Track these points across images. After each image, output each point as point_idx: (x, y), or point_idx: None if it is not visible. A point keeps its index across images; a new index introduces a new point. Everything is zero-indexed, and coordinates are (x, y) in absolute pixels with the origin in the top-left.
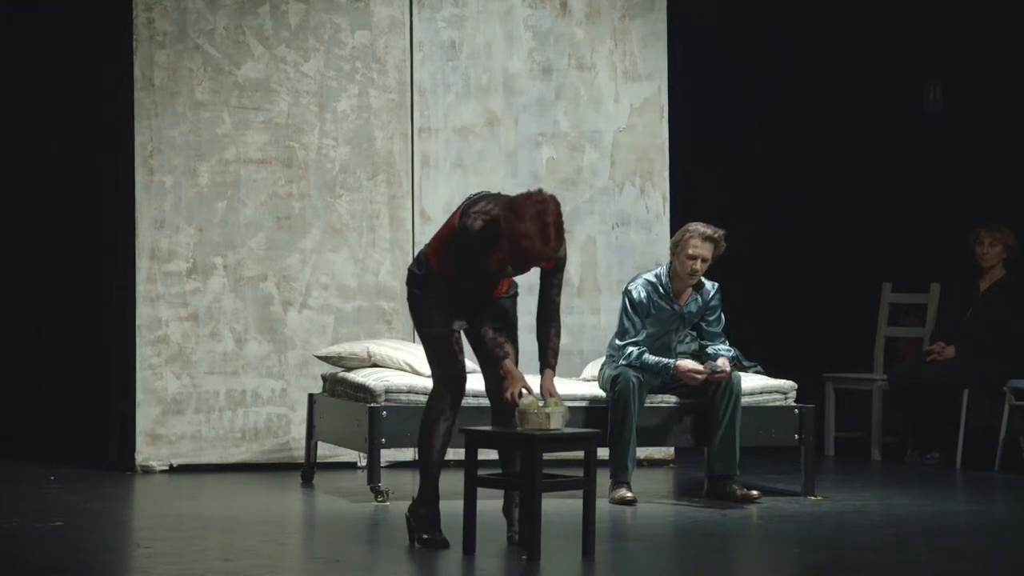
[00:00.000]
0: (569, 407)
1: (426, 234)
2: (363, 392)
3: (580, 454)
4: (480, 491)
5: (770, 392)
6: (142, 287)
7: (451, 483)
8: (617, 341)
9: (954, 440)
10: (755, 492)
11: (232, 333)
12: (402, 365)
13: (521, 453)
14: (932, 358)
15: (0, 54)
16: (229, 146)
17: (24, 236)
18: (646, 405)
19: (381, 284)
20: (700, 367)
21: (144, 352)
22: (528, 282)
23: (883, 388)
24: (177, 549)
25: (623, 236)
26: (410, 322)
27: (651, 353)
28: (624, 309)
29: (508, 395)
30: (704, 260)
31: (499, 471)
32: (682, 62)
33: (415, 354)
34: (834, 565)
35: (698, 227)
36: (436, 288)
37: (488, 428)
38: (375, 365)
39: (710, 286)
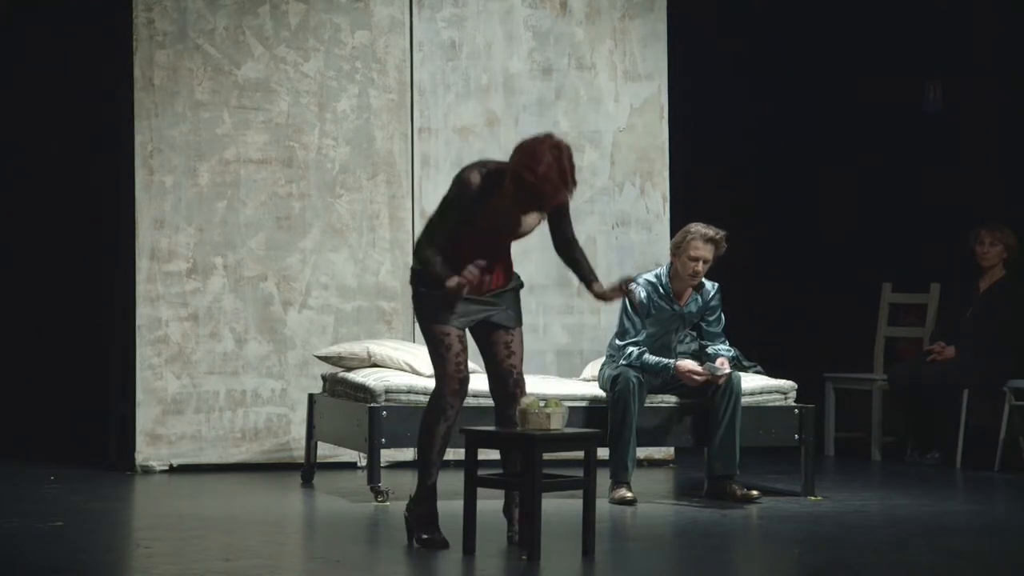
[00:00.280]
0: (569, 407)
1: None
2: (363, 392)
3: (580, 454)
4: (480, 491)
5: (770, 392)
6: (142, 287)
7: (451, 483)
8: (617, 341)
9: (954, 440)
10: (755, 492)
11: (232, 333)
12: (402, 365)
13: (521, 453)
14: (932, 358)
15: (0, 54)
16: (229, 146)
17: (24, 236)
18: (646, 405)
19: (381, 284)
20: (700, 368)
21: (144, 352)
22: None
23: (883, 388)
24: (177, 549)
25: (623, 236)
26: (410, 322)
27: (651, 353)
28: (624, 309)
29: (456, 283)
30: (706, 261)
31: (499, 471)
32: (682, 62)
33: (415, 354)
34: (834, 565)
35: (699, 228)
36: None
37: (488, 428)
38: (375, 365)
39: (710, 286)
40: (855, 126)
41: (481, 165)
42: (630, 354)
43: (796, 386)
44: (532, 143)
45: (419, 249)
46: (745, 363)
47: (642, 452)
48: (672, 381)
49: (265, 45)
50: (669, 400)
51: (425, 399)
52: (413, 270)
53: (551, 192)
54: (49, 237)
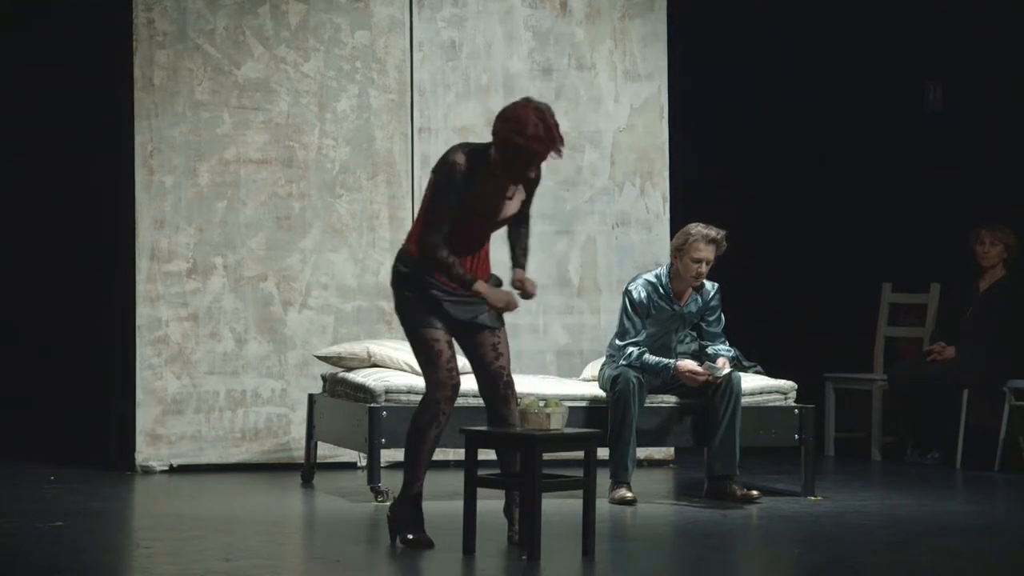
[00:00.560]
0: (569, 407)
1: None
2: (363, 392)
3: (580, 454)
4: (480, 491)
5: (770, 392)
6: (142, 287)
7: (451, 483)
8: (617, 341)
9: (954, 440)
10: (755, 492)
11: (232, 333)
12: (402, 365)
13: (521, 453)
14: (932, 358)
15: (0, 54)
16: (229, 146)
17: (24, 236)
18: (646, 405)
19: (381, 284)
20: (700, 368)
21: (144, 352)
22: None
23: (883, 388)
24: (177, 549)
25: (623, 236)
26: None
27: (651, 353)
28: (624, 309)
29: (499, 308)
30: (708, 262)
31: (498, 471)
32: (682, 62)
33: None
34: (834, 565)
35: (700, 230)
36: (426, 286)
37: (488, 428)
38: (375, 365)
39: (710, 286)
40: (855, 126)
41: (462, 146)
42: (630, 354)
43: (796, 386)
44: (514, 110)
45: (425, 251)
46: (745, 363)
47: (642, 452)
48: (672, 381)
49: (265, 45)
50: (669, 400)
51: None
52: (397, 272)
53: (543, 152)
54: (49, 237)
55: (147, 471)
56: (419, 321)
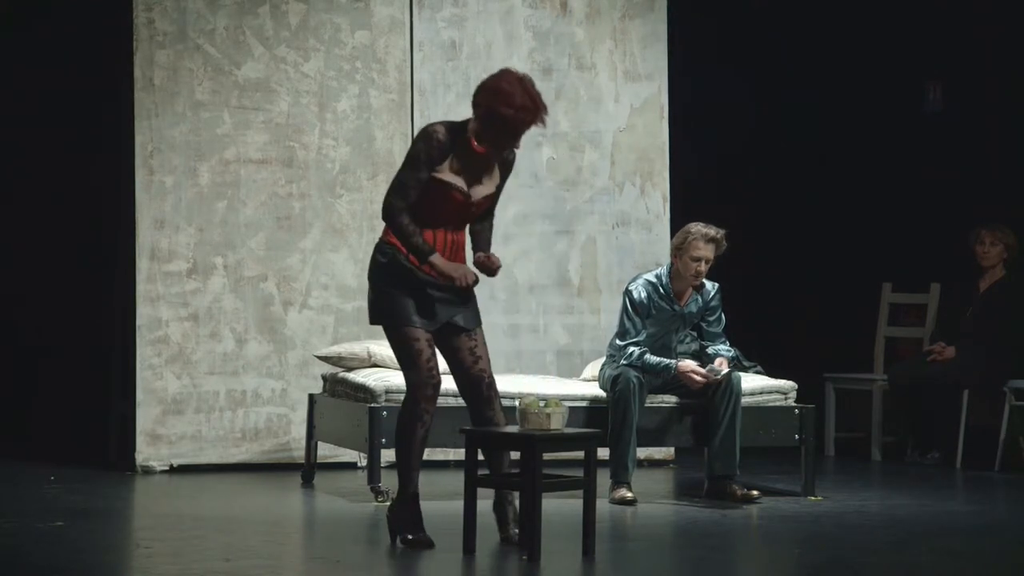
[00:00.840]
0: (569, 407)
1: None
2: (363, 392)
3: (580, 454)
4: (480, 491)
5: (770, 392)
6: (142, 287)
7: (451, 483)
8: (618, 341)
9: (954, 440)
10: (755, 492)
11: (232, 333)
12: None
13: (521, 453)
14: (932, 358)
15: (0, 54)
16: (229, 146)
17: (24, 236)
18: (646, 405)
19: None
20: (701, 370)
21: (144, 352)
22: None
23: (883, 388)
24: (177, 549)
25: (623, 236)
26: None
27: (651, 353)
28: (624, 309)
29: (455, 279)
30: (708, 261)
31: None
32: (682, 62)
33: None
34: (834, 565)
35: (700, 229)
36: (405, 278)
37: (489, 429)
38: (375, 365)
39: (710, 286)
40: (855, 126)
41: (441, 122)
42: (631, 354)
43: (796, 386)
44: (497, 82)
45: (387, 213)
46: (745, 363)
47: (642, 452)
48: (673, 381)
49: (265, 45)
50: (669, 400)
51: None
52: (376, 263)
53: (530, 121)
54: (49, 237)
55: (147, 471)
56: (399, 318)
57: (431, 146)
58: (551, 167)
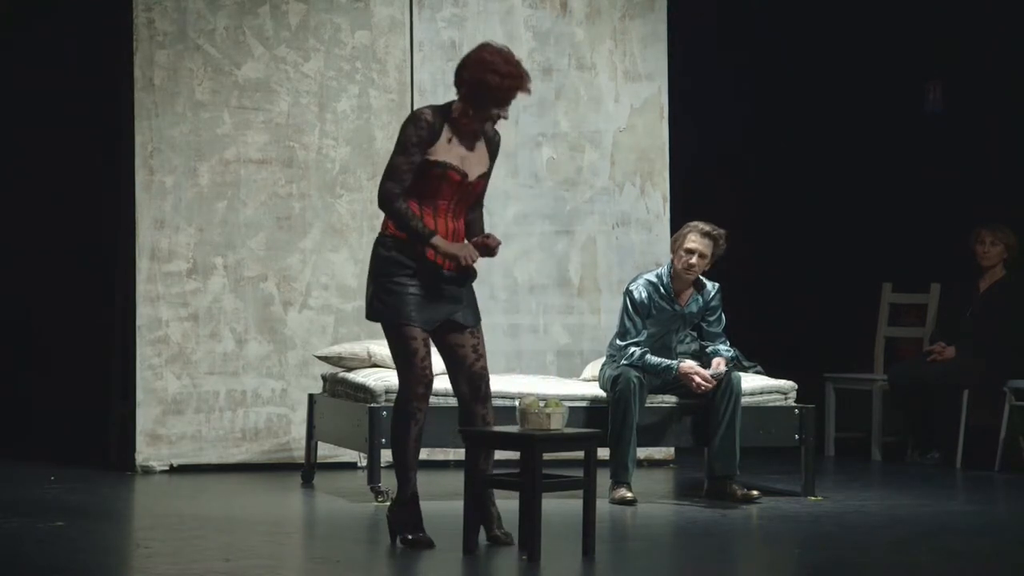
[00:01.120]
0: (569, 407)
1: None
2: (363, 392)
3: (580, 454)
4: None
5: (770, 392)
6: (142, 287)
7: (451, 483)
8: (618, 341)
9: (954, 440)
10: (755, 492)
11: (232, 333)
12: None
13: (521, 453)
14: (932, 358)
15: (0, 54)
16: (229, 146)
17: (24, 236)
18: (646, 405)
19: None
20: (704, 371)
21: (144, 352)
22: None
23: (883, 388)
24: (177, 549)
25: (623, 236)
26: None
27: (651, 353)
28: (625, 309)
29: (465, 262)
30: (702, 255)
31: (501, 472)
32: (682, 62)
33: None
34: (834, 565)
35: (697, 223)
36: (407, 273)
37: (489, 429)
38: (375, 365)
39: (711, 286)
40: (855, 126)
41: (427, 106)
42: (632, 354)
43: (796, 386)
44: (479, 54)
45: (382, 198)
46: (745, 363)
47: (642, 452)
48: (673, 381)
49: (265, 45)
50: (669, 400)
51: None
52: (378, 257)
53: (518, 87)
54: (49, 237)
55: (147, 471)
56: (399, 315)
57: (420, 127)
58: (551, 167)
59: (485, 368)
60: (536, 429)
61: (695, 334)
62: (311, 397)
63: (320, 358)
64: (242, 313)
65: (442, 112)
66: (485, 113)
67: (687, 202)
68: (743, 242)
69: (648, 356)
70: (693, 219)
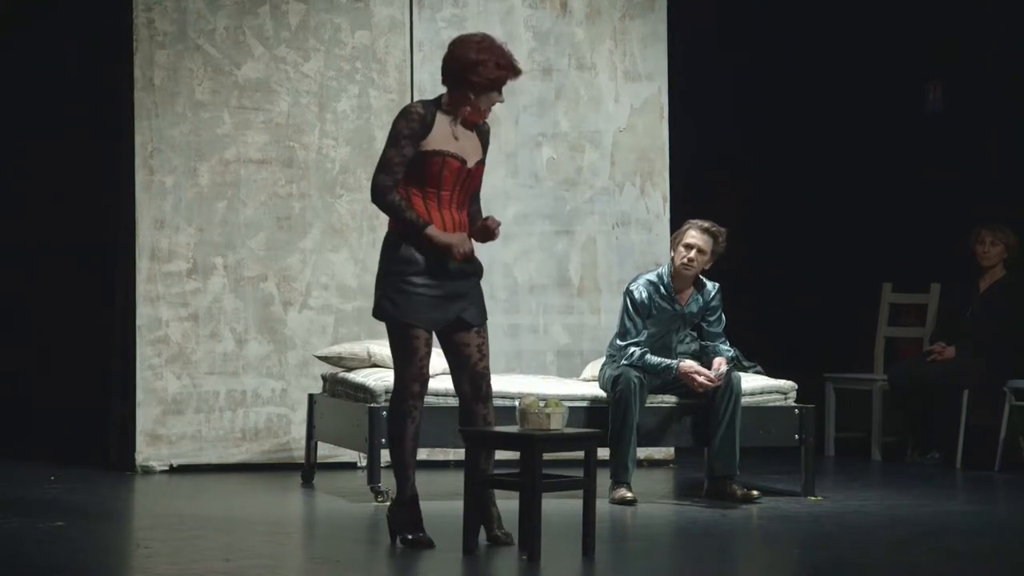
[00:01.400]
0: (569, 407)
1: None
2: (363, 392)
3: (580, 454)
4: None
5: (770, 392)
6: (142, 287)
7: (451, 483)
8: (619, 341)
9: (954, 440)
10: (755, 492)
11: (232, 333)
12: None
13: (521, 453)
14: (932, 358)
15: (0, 54)
16: (229, 146)
17: (24, 236)
18: (646, 405)
19: None
20: (705, 370)
21: (144, 352)
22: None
23: (883, 388)
24: (177, 549)
25: (623, 236)
26: None
27: (651, 353)
28: (625, 309)
29: (459, 255)
30: (701, 251)
31: (501, 472)
32: (682, 62)
33: None
34: (834, 565)
35: (697, 221)
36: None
37: (489, 429)
38: (375, 365)
39: (711, 286)
40: (855, 126)
41: (416, 101)
42: (632, 354)
43: (796, 386)
44: (468, 45)
45: (376, 192)
46: (745, 363)
47: (642, 452)
48: (673, 382)
49: (265, 45)
50: (669, 400)
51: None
52: (388, 256)
53: (511, 75)
54: (49, 237)
55: (147, 471)
56: (406, 318)
57: (411, 120)
58: (551, 167)
59: (487, 368)
60: (536, 429)
61: (695, 334)
62: (311, 397)
63: (320, 358)
64: (242, 313)
65: (432, 105)
66: (476, 102)
67: (687, 202)
68: (743, 242)
69: (648, 356)
70: (693, 219)
